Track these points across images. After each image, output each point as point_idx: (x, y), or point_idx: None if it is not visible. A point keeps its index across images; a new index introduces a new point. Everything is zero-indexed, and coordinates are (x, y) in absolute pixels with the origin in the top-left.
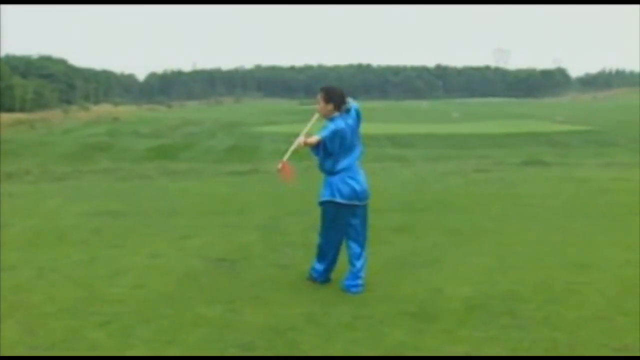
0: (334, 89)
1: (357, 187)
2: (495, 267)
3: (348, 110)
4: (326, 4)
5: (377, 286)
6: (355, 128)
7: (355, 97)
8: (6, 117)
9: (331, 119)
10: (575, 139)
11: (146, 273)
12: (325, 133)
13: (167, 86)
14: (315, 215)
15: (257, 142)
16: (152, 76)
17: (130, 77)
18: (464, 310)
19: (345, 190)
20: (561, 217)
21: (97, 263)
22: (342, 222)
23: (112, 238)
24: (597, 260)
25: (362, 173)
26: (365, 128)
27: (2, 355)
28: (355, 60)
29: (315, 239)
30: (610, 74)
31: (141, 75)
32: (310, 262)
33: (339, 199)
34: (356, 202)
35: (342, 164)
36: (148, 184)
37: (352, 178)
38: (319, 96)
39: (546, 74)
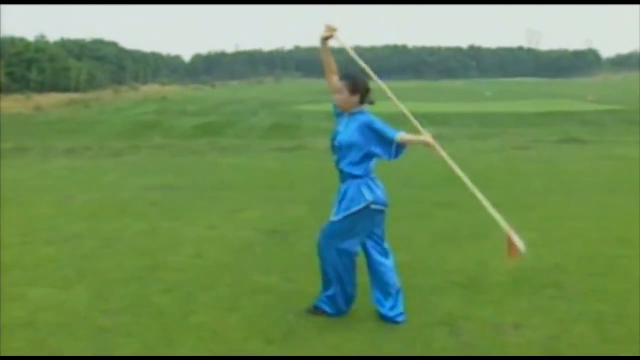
0: (361, 78)
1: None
2: (539, 240)
3: (371, 103)
4: None
5: (426, 258)
6: None
7: (391, 77)
8: (62, 97)
9: (361, 112)
10: (606, 117)
11: (204, 243)
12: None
13: (211, 67)
14: None
15: (297, 120)
16: (197, 57)
17: (177, 58)
18: (511, 282)
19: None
20: (601, 193)
21: (157, 233)
22: None
23: (169, 210)
24: (638, 235)
25: None
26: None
27: (4, 355)
28: (391, 41)
29: None
30: None
31: (187, 57)
32: None
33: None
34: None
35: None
36: (199, 159)
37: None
38: (342, 85)
39: (578, 55)
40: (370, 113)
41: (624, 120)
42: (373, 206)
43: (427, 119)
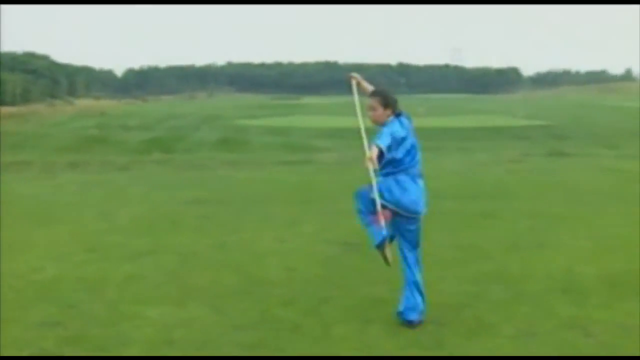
0: (389, 92)
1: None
2: (596, 248)
3: (399, 114)
4: (295, 4)
5: (508, 266)
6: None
7: (322, 93)
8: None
9: (385, 124)
10: (535, 132)
11: (286, 257)
12: (381, 140)
13: (143, 81)
14: None
15: (244, 135)
16: (130, 72)
17: (109, 73)
18: (606, 286)
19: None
20: (616, 202)
21: (229, 248)
22: None
23: (223, 224)
24: None
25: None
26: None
27: (3, 355)
28: (322, 58)
29: None
30: (557, 73)
31: (119, 71)
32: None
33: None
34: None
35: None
36: (209, 173)
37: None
38: (373, 102)
39: (500, 72)
40: (394, 122)
41: (552, 136)
42: None
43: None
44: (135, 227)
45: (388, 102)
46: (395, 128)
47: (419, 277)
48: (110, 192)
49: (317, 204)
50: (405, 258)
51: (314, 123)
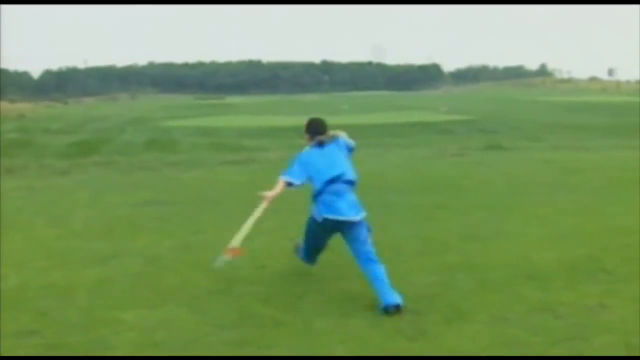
0: (310, 121)
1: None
2: (550, 235)
3: (321, 143)
4: (217, 4)
5: (469, 256)
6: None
7: (246, 92)
8: None
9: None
10: (459, 127)
11: (254, 254)
12: (286, 173)
13: (62, 83)
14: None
15: (170, 136)
16: (47, 73)
17: (25, 75)
18: (566, 270)
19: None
20: (559, 191)
21: (194, 248)
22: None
23: (182, 225)
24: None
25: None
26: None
27: (2, 355)
28: (245, 57)
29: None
30: (477, 69)
31: (35, 73)
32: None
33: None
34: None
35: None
36: (153, 175)
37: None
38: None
39: (423, 69)
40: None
41: (476, 130)
42: None
43: (298, 133)
44: (91, 231)
45: (306, 130)
46: (302, 154)
47: (380, 271)
48: (57, 197)
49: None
50: (360, 260)
51: (241, 122)
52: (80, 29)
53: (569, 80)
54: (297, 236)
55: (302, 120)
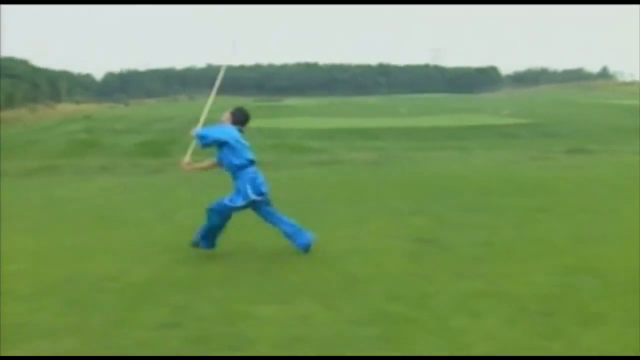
0: (242, 110)
1: None
2: None
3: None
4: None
5: (585, 257)
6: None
7: (303, 94)
8: None
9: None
10: (522, 130)
11: (370, 254)
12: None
13: (124, 85)
14: (461, 198)
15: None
16: (110, 75)
17: (88, 77)
18: None
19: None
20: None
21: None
22: None
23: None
24: None
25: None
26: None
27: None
28: (302, 59)
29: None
30: (536, 71)
31: (98, 75)
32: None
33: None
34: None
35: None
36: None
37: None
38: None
39: (481, 72)
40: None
41: (540, 133)
42: None
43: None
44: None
45: (232, 114)
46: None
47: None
48: (157, 195)
49: (374, 201)
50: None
51: (301, 124)
52: (141, 31)
53: (632, 83)
54: (406, 236)
55: (364, 123)
